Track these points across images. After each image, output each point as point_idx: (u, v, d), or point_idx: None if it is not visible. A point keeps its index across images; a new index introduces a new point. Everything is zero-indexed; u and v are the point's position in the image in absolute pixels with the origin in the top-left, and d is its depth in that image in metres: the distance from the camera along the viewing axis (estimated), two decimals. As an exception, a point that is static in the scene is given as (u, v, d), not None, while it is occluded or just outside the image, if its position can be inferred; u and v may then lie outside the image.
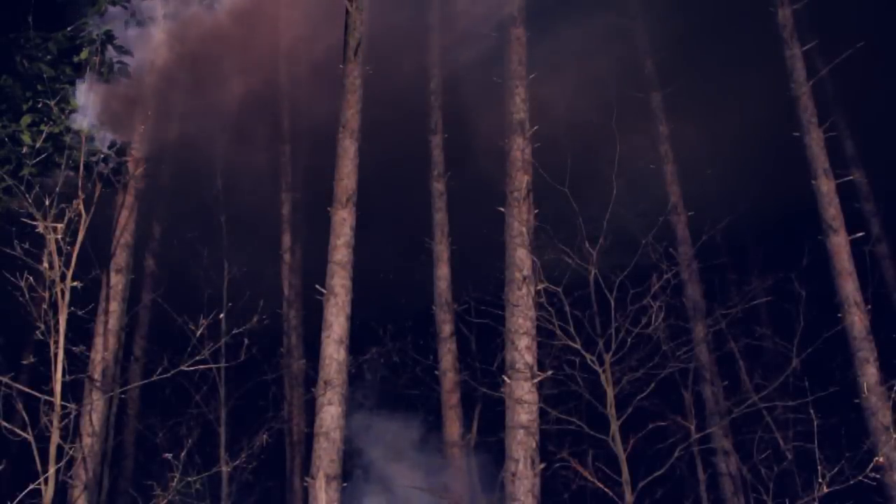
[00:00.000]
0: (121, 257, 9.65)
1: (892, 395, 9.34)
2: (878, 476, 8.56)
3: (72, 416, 7.81)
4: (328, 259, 9.49)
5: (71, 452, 7.47)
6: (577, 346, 8.58)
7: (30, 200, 7.44)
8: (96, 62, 8.17)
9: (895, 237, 12.90)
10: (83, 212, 7.81)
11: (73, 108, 8.06)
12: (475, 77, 12.66)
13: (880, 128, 14.39)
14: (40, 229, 7.50)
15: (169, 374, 8.43)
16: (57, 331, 7.41)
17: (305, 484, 8.68)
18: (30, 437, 7.18)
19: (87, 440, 8.70)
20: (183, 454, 8.27)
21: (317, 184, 13.08)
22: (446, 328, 11.71)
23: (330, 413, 8.80)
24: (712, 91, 14.43)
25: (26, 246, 7.62)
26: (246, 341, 10.23)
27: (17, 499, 6.85)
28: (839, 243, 10.15)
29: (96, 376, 9.02)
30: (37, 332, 7.54)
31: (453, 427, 11.28)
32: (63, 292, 7.48)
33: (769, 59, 11.65)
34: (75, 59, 8.48)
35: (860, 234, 10.50)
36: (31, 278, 7.55)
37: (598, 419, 8.75)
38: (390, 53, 13.11)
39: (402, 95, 14.18)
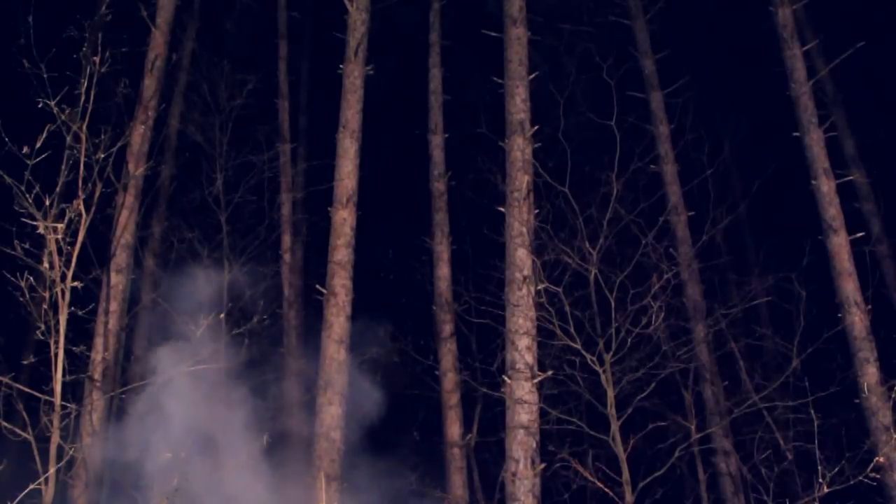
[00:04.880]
0: (121, 257, 9.64)
1: (893, 395, 9.34)
2: (878, 476, 8.56)
3: (72, 416, 7.81)
4: (328, 259, 9.51)
5: (71, 452, 7.46)
6: (578, 346, 8.59)
7: (30, 200, 7.44)
8: (96, 62, 8.16)
9: (895, 237, 12.90)
10: (83, 212, 7.81)
11: (74, 107, 8.05)
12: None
13: (880, 128, 14.40)
14: (40, 229, 7.50)
15: (169, 375, 8.42)
16: (57, 331, 7.41)
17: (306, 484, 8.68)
18: (30, 437, 7.19)
19: (87, 440, 8.69)
20: (183, 454, 8.25)
21: (317, 184, 13.10)
22: (446, 328, 11.71)
23: (330, 413, 8.82)
24: (712, 91, 14.47)
25: (26, 246, 7.62)
26: (246, 341, 10.22)
27: (18, 499, 6.85)
28: (839, 243, 10.15)
29: (96, 376, 9.01)
30: (37, 332, 7.54)
31: (453, 427, 11.28)
32: (63, 292, 7.48)
33: (769, 58, 11.67)
34: (75, 58, 8.48)
35: (860, 234, 10.51)
36: (31, 278, 7.54)
37: (598, 419, 8.75)
38: (390, 53, 13.13)
39: (402, 95, 14.20)
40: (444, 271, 11.89)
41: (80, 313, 8.04)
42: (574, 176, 9.22)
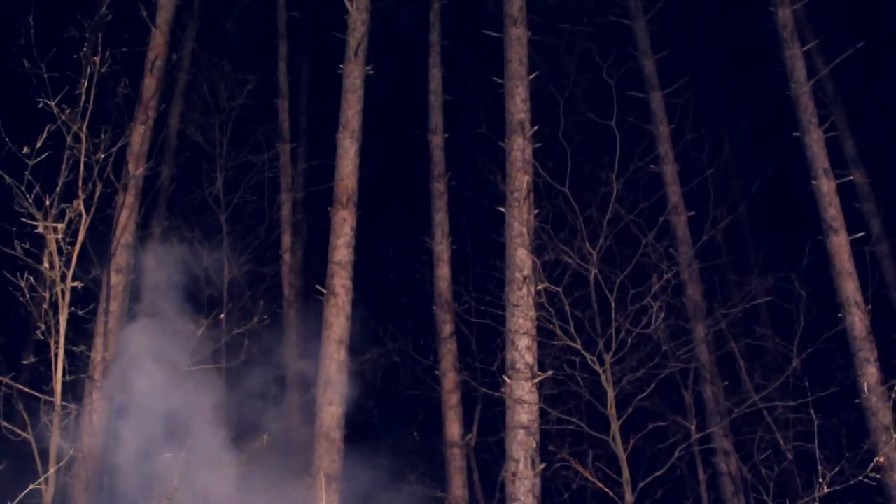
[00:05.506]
0: (121, 257, 9.63)
1: (893, 395, 9.34)
2: (878, 476, 8.56)
3: (72, 416, 7.81)
4: (328, 259, 9.50)
5: (71, 452, 7.45)
6: (578, 346, 8.59)
7: (30, 200, 7.44)
8: (96, 62, 8.16)
9: (895, 237, 12.90)
10: (83, 212, 7.81)
11: (74, 107, 8.05)
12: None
13: (880, 128, 14.41)
14: (40, 229, 7.50)
15: (169, 375, 8.42)
16: (57, 331, 7.41)
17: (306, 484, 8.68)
18: (30, 437, 7.19)
19: (86, 440, 8.68)
20: (184, 454, 8.25)
21: (317, 184, 13.10)
22: (446, 328, 11.71)
23: (330, 413, 8.82)
24: (712, 91, 14.47)
25: (26, 246, 7.62)
26: (246, 341, 10.22)
27: (18, 499, 6.85)
28: (839, 243, 10.15)
29: (96, 376, 9.01)
30: (37, 332, 7.54)
31: (453, 427, 11.28)
32: (63, 292, 7.48)
33: (769, 58, 11.68)
34: (75, 58, 8.48)
35: (860, 234, 10.51)
36: (31, 278, 7.54)
37: (598, 419, 8.75)
38: (390, 53, 13.12)
39: (402, 95, 14.19)
40: (444, 271, 11.88)
41: (80, 313, 8.04)
42: (574, 176, 9.22)
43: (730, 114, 14.32)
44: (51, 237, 7.45)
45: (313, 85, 15.26)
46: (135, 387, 8.30)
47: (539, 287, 8.84)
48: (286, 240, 13.09)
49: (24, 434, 7.21)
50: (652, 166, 11.91)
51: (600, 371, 8.47)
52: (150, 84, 10.21)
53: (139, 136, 9.93)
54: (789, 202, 12.63)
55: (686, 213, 12.14)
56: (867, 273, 10.20)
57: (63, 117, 7.92)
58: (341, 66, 10.14)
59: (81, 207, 7.77)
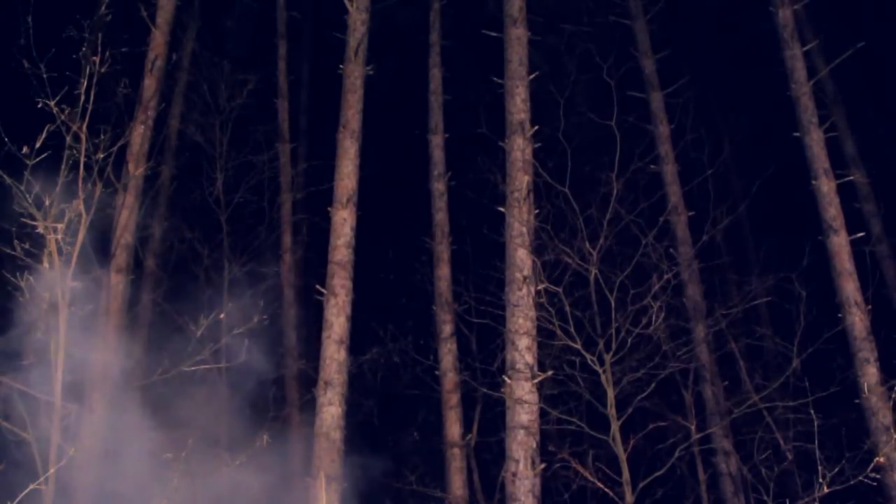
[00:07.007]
0: (121, 257, 9.62)
1: (893, 396, 9.35)
2: (878, 476, 8.56)
3: (72, 416, 7.80)
4: (328, 259, 9.50)
5: (71, 452, 7.45)
6: (578, 346, 8.59)
7: (30, 200, 7.44)
8: (96, 62, 8.15)
9: (895, 237, 12.90)
10: (83, 212, 7.80)
11: (74, 107, 8.04)
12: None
13: (880, 128, 14.41)
14: (40, 229, 7.50)
15: (169, 375, 8.42)
16: (57, 331, 7.40)
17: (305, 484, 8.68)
18: (30, 437, 7.18)
19: (86, 440, 8.67)
20: (184, 454, 8.25)
21: (317, 184, 13.10)
22: (446, 328, 11.71)
23: (330, 413, 8.82)
24: (712, 91, 14.47)
25: (26, 246, 7.62)
26: (246, 341, 10.21)
27: (18, 499, 6.85)
28: (839, 243, 10.16)
29: (96, 376, 8.99)
30: (37, 332, 7.54)
31: (453, 427, 11.28)
32: (63, 292, 7.48)
33: (769, 58, 11.68)
34: (75, 58, 8.48)
35: (860, 234, 10.51)
36: (31, 278, 7.54)
37: (598, 419, 8.75)
38: (390, 53, 13.12)
39: (402, 95, 14.19)
40: (444, 271, 11.88)
41: (79, 313, 8.04)
42: (574, 176, 9.22)
43: (730, 114, 14.33)
44: (51, 237, 7.45)
45: (313, 85, 15.27)
46: (134, 387, 8.30)
47: (539, 287, 8.84)
48: (286, 240, 13.09)
49: (24, 434, 7.20)
50: (652, 166, 11.91)
51: (600, 371, 8.47)
52: (150, 84, 10.20)
53: (139, 136, 9.92)
54: (789, 202, 12.64)
55: (686, 213, 12.13)
56: (867, 273, 10.20)
57: (63, 117, 7.92)
58: (341, 66, 10.14)
59: (81, 207, 7.77)
